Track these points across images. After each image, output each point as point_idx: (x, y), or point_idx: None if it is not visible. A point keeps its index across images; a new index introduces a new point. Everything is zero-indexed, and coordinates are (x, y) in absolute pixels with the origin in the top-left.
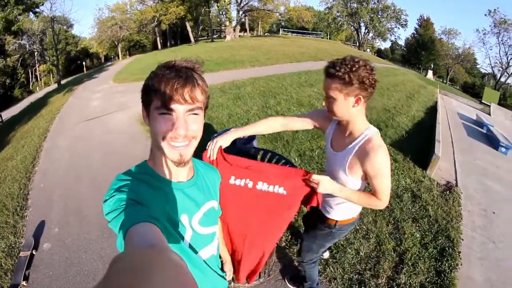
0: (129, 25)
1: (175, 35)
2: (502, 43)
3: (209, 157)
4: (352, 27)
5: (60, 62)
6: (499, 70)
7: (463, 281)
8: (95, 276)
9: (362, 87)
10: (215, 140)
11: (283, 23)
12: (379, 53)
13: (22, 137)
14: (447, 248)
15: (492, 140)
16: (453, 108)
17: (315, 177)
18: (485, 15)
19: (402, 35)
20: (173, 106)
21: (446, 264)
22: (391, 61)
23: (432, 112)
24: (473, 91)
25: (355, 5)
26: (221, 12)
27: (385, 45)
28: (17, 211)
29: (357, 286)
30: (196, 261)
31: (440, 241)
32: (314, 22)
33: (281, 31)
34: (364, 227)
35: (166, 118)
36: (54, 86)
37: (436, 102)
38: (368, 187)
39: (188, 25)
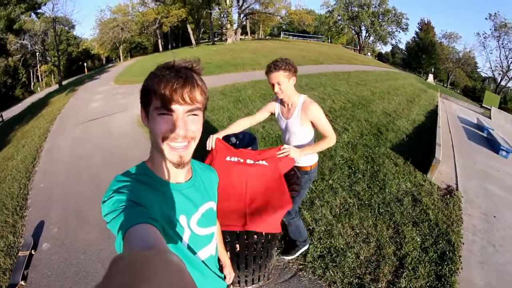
0: (131, 27)
1: (177, 37)
2: (503, 47)
3: (211, 147)
4: (353, 30)
5: (61, 63)
6: (499, 74)
7: (463, 285)
8: (93, 277)
9: (293, 71)
10: (211, 136)
11: (284, 27)
12: (380, 57)
13: (22, 137)
14: (447, 252)
15: (492, 144)
16: (453, 112)
17: (285, 146)
18: (486, 18)
19: (403, 39)
20: (173, 106)
21: (447, 268)
22: (392, 65)
23: (432, 116)
24: (473, 94)
25: (356, 8)
26: (222, 15)
27: (386, 49)
28: (16, 211)
29: None
30: (195, 262)
31: (440, 245)
32: (315, 26)
33: (282, 35)
34: (364, 231)
35: (166, 118)
36: (55, 86)
37: (437, 106)
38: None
39: (189, 28)
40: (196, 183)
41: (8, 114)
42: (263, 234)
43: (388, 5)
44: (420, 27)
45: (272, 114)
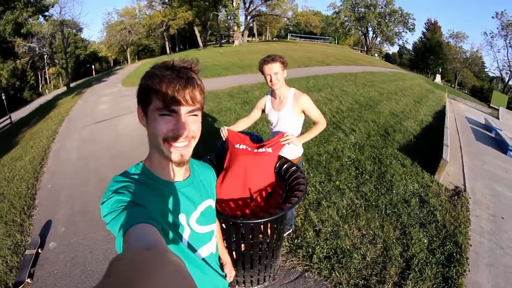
0: (138, 29)
1: (184, 39)
2: (510, 46)
3: (224, 136)
4: (360, 31)
5: (69, 65)
6: (507, 73)
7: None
8: (100, 276)
9: (285, 64)
10: (222, 127)
11: (291, 28)
12: (387, 57)
13: (31, 138)
14: (454, 254)
15: (501, 144)
16: (461, 112)
17: (288, 134)
18: (493, 17)
19: (410, 39)
20: (175, 107)
21: (454, 270)
22: (399, 65)
23: (440, 116)
24: (481, 95)
25: (362, 9)
26: (229, 17)
27: (393, 49)
28: (24, 210)
29: None
30: (196, 260)
31: (447, 246)
32: (321, 27)
33: (289, 36)
34: (371, 232)
35: (167, 119)
36: (63, 89)
37: (444, 106)
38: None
39: (196, 30)
40: (195, 181)
41: (17, 115)
42: (269, 234)
43: (394, 5)
44: (427, 27)
45: (263, 110)
